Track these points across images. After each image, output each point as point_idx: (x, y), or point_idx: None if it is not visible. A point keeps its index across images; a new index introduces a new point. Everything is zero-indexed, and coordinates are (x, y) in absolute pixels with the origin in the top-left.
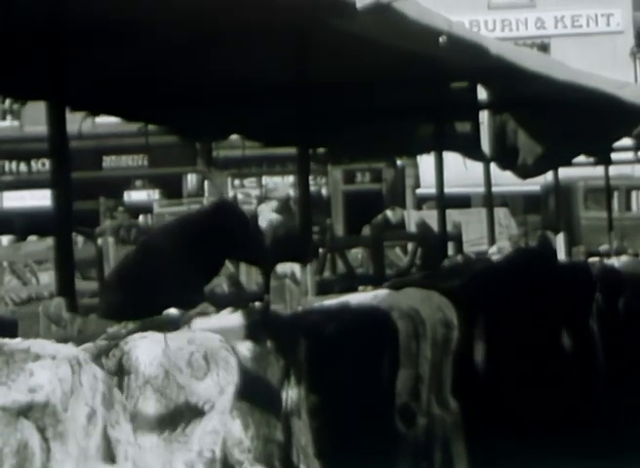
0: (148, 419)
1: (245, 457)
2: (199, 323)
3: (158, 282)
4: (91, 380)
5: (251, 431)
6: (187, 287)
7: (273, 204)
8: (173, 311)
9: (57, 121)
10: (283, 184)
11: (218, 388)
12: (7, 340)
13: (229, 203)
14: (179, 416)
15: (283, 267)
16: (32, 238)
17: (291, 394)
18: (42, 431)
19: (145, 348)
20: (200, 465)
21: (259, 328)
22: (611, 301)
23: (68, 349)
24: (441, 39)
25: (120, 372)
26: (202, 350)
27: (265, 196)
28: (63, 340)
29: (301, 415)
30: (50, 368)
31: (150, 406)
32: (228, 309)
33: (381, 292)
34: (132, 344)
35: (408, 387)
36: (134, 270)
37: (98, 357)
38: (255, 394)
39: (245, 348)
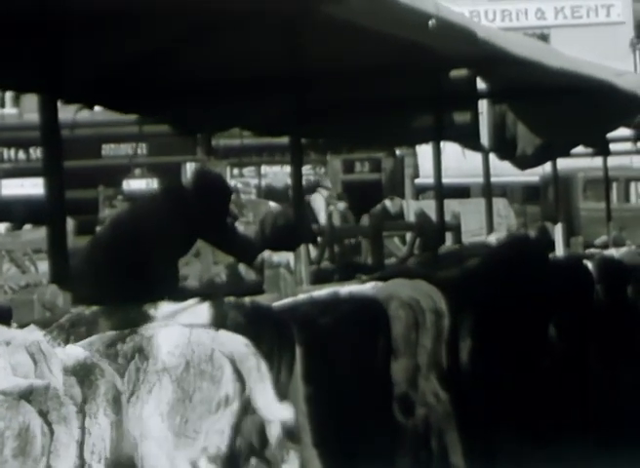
0: (161, 408)
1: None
2: (165, 310)
3: (129, 265)
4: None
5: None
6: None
7: (325, 192)
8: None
9: (49, 113)
10: (282, 173)
11: (234, 390)
12: None
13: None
14: (191, 411)
15: (278, 256)
16: (27, 226)
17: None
18: (44, 415)
19: (168, 336)
20: (203, 460)
21: (224, 320)
22: (610, 292)
23: (27, 335)
24: (430, 23)
25: (138, 356)
26: (226, 350)
27: (318, 184)
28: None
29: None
30: (2, 354)
31: (165, 395)
32: (195, 300)
33: (368, 285)
34: (153, 331)
35: (407, 377)
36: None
37: (112, 345)
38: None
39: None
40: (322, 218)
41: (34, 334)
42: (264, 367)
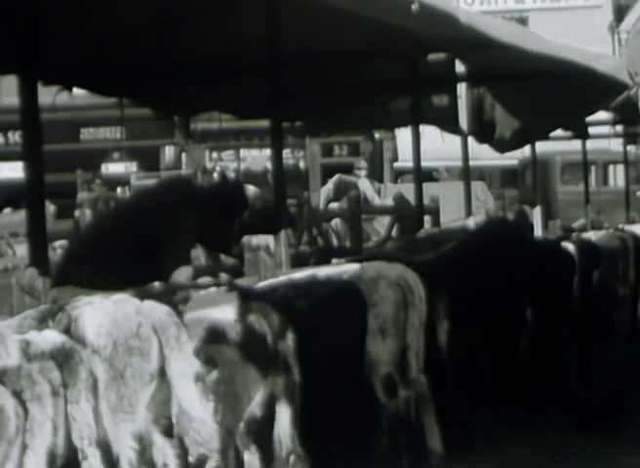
0: (87, 387)
1: (204, 441)
2: (195, 304)
3: (138, 252)
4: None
5: (218, 417)
6: (167, 257)
7: (362, 173)
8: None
9: (28, 95)
10: (260, 157)
11: (167, 360)
12: None
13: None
14: (124, 387)
15: (258, 239)
16: (7, 210)
17: (279, 380)
18: (18, 394)
19: (92, 316)
20: (157, 433)
21: (251, 312)
22: (587, 275)
23: None
24: (413, 7)
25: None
26: (149, 321)
27: (353, 167)
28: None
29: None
30: None
31: (98, 375)
32: (223, 288)
33: (346, 267)
34: (78, 311)
35: (393, 358)
36: (114, 238)
37: (42, 321)
38: (232, 381)
39: (234, 333)
40: (375, 199)
41: None
42: (185, 337)
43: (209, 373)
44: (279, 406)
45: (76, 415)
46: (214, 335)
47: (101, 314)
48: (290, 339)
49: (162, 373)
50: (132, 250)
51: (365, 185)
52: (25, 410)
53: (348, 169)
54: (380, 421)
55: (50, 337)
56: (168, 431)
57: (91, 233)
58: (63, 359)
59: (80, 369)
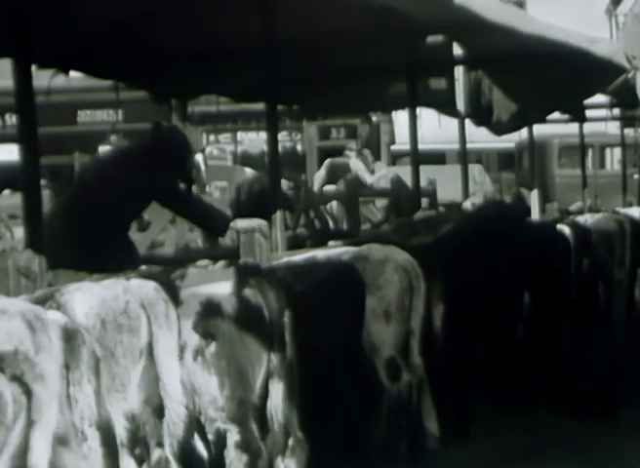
0: (89, 369)
1: (218, 416)
2: (191, 280)
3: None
4: (51, 336)
5: (226, 391)
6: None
7: (353, 154)
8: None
9: (24, 78)
10: (258, 140)
11: (155, 337)
12: None
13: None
14: (115, 365)
15: (252, 222)
16: (6, 192)
17: (273, 356)
18: (19, 378)
19: (81, 299)
20: (146, 411)
21: (247, 286)
22: (581, 258)
23: (22, 304)
24: None
25: None
26: (137, 298)
27: (344, 148)
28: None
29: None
30: None
31: (90, 355)
32: (221, 263)
33: (343, 249)
34: (68, 296)
35: (396, 342)
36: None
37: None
38: (233, 354)
39: (230, 306)
40: (369, 179)
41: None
42: (174, 315)
43: (207, 346)
44: (272, 383)
45: (78, 397)
46: (209, 308)
47: (91, 297)
48: (286, 316)
49: (151, 351)
50: (77, 226)
51: (357, 165)
52: (29, 393)
53: (340, 151)
54: (381, 405)
55: (54, 318)
56: (160, 410)
57: (50, 213)
58: (66, 340)
59: (82, 350)
